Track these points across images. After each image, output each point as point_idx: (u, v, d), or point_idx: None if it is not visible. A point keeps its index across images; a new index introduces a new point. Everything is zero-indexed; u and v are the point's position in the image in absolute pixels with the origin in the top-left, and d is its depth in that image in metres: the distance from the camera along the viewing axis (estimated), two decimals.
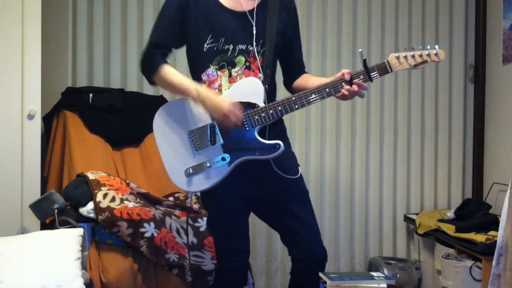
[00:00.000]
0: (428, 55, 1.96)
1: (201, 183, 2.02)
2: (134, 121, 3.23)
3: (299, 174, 2.15)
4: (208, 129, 2.04)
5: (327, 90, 2.01)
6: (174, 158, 2.05)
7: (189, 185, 2.04)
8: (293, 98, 2.02)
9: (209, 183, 2.02)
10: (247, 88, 2.05)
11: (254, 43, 2.07)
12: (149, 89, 3.46)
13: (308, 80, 2.19)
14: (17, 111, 2.76)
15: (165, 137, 2.07)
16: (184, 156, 2.04)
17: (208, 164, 2.02)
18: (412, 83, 3.69)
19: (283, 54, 2.20)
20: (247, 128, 2.02)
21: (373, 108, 3.66)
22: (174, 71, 2.07)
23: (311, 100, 2.01)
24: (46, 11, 3.03)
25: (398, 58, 1.97)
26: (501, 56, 3.42)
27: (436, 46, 1.97)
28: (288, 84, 2.29)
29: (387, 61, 1.98)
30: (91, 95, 3.25)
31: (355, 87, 1.98)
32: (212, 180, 2.02)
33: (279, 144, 2.01)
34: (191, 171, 2.02)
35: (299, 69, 2.27)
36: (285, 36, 2.16)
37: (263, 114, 2.01)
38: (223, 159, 2.02)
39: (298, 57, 2.27)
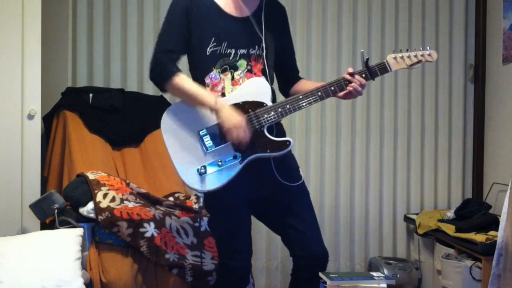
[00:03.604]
0: (422, 55, 2.12)
1: (213, 181, 2.03)
2: (134, 121, 3.23)
3: (302, 178, 2.18)
4: (218, 128, 2.05)
5: (332, 88, 2.08)
6: (185, 158, 2.05)
7: (202, 184, 2.03)
8: (300, 97, 2.08)
9: (221, 181, 2.02)
10: (255, 87, 2.09)
11: (256, 46, 2.12)
12: (149, 89, 3.46)
13: (308, 85, 2.23)
14: (17, 111, 2.76)
15: (174, 137, 2.07)
16: (194, 156, 2.04)
17: (219, 163, 2.03)
18: (412, 83, 3.69)
19: (279, 59, 2.23)
20: (257, 126, 2.04)
21: (373, 108, 3.66)
22: (190, 80, 2.08)
23: (318, 98, 2.08)
24: (46, 11, 3.02)
25: (395, 58, 2.11)
26: (501, 56, 3.42)
27: (428, 48, 2.13)
28: (285, 90, 2.33)
29: (386, 61, 2.11)
30: (91, 95, 3.25)
31: (356, 82, 2.07)
32: (224, 178, 2.02)
33: (289, 141, 2.07)
34: (202, 170, 2.02)
35: (295, 74, 2.33)
36: (281, 40, 2.22)
37: (272, 113, 2.06)
38: (235, 157, 2.04)
39: (293, 61, 2.33)
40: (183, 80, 2.06)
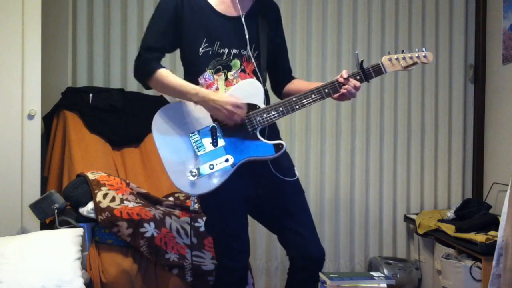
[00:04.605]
0: (418, 57, 2.08)
1: (205, 185, 2.01)
2: (134, 121, 3.23)
3: (297, 175, 2.17)
4: (210, 131, 2.04)
5: (326, 90, 2.06)
6: (176, 162, 2.03)
7: (193, 188, 2.02)
8: (294, 99, 2.06)
9: (213, 185, 2.01)
10: (248, 89, 2.07)
11: (247, 47, 2.10)
12: (149, 89, 3.45)
13: (301, 85, 2.23)
14: (17, 111, 2.76)
15: (166, 140, 2.05)
16: (186, 159, 2.03)
17: (211, 166, 2.01)
18: (412, 83, 3.69)
19: (272, 60, 2.21)
20: (249, 129, 2.03)
21: (373, 108, 3.66)
22: (171, 74, 2.07)
23: (311, 100, 2.05)
24: (46, 11, 3.02)
25: (390, 60, 2.07)
26: (501, 56, 3.42)
27: (424, 49, 2.09)
28: (277, 90, 2.32)
29: (381, 63, 2.06)
30: (91, 95, 3.25)
31: (351, 84, 2.03)
32: (216, 182, 2.01)
33: (282, 144, 2.05)
34: (194, 174, 2.01)
35: (288, 74, 2.32)
36: (274, 41, 2.20)
37: (265, 115, 2.04)
38: (227, 160, 2.02)
39: (286, 61, 2.32)
40: (165, 74, 2.06)
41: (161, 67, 2.08)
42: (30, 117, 2.78)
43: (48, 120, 3.19)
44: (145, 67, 2.08)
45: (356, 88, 2.05)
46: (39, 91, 2.80)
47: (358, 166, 3.65)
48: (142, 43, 2.12)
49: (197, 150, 2.03)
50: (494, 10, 3.53)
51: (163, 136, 2.06)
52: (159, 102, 3.22)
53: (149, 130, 3.13)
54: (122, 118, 3.25)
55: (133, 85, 3.47)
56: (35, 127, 2.80)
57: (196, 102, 2.03)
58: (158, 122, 2.08)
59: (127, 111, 3.28)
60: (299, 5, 3.59)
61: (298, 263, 2.14)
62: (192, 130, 2.05)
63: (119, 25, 3.49)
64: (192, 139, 2.04)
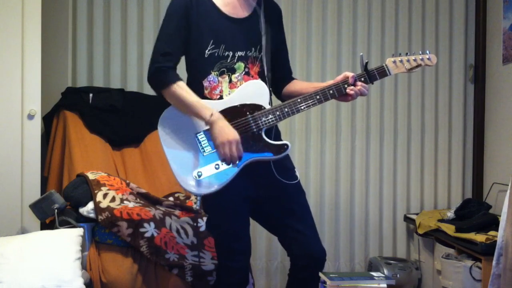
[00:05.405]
0: (422, 59, 2.11)
1: (210, 185, 2.01)
2: (134, 121, 3.23)
3: (298, 177, 2.18)
4: None
5: (331, 91, 2.07)
6: (182, 161, 2.03)
7: (198, 188, 2.02)
8: (299, 100, 2.07)
9: (218, 185, 2.01)
10: (253, 90, 2.08)
11: (252, 48, 2.11)
12: (149, 89, 3.43)
13: (301, 85, 2.23)
14: (17, 111, 2.76)
15: (171, 139, 2.05)
16: (191, 159, 2.03)
17: (216, 166, 2.01)
18: (412, 83, 3.70)
19: (273, 60, 2.21)
20: (255, 130, 2.03)
21: (373, 108, 3.66)
22: (188, 90, 2.04)
23: (316, 101, 2.06)
24: (46, 11, 3.03)
25: (394, 62, 2.10)
26: (501, 56, 3.42)
27: (428, 52, 2.12)
28: (276, 90, 2.31)
29: (386, 65, 2.09)
30: (91, 95, 3.25)
31: (358, 87, 2.06)
32: (221, 182, 2.01)
33: (287, 145, 2.06)
34: (199, 173, 2.01)
35: (288, 75, 2.32)
36: (276, 42, 2.21)
37: (270, 116, 2.05)
38: None
39: (286, 62, 2.32)
40: (181, 89, 2.03)
41: (179, 79, 2.05)
42: (30, 117, 2.78)
43: (48, 120, 3.19)
44: (162, 77, 2.05)
45: (366, 88, 2.08)
46: (39, 91, 2.80)
47: (358, 166, 3.65)
48: (158, 47, 2.07)
49: (202, 150, 2.03)
50: (494, 10, 3.53)
51: (169, 135, 2.06)
52: (159, 102, 3.23)
53: (149, 130, 3.20)
54: (122, 118, 3.25)
55: (133, 85, 3.48)
56: (35, 127, 2.80)
57: (206, 123, 2.02)
58: (165, 121, 2.08)
59: (127, 111, 3.28)
60: (299, 5, 3.59)
61: (300, 262, 2.14)
62: (198, 130, 2.05)
63: (119, 25, 3.49)
64: (198, 139, 2.04)
